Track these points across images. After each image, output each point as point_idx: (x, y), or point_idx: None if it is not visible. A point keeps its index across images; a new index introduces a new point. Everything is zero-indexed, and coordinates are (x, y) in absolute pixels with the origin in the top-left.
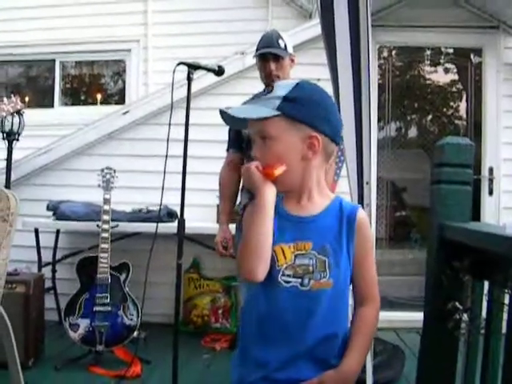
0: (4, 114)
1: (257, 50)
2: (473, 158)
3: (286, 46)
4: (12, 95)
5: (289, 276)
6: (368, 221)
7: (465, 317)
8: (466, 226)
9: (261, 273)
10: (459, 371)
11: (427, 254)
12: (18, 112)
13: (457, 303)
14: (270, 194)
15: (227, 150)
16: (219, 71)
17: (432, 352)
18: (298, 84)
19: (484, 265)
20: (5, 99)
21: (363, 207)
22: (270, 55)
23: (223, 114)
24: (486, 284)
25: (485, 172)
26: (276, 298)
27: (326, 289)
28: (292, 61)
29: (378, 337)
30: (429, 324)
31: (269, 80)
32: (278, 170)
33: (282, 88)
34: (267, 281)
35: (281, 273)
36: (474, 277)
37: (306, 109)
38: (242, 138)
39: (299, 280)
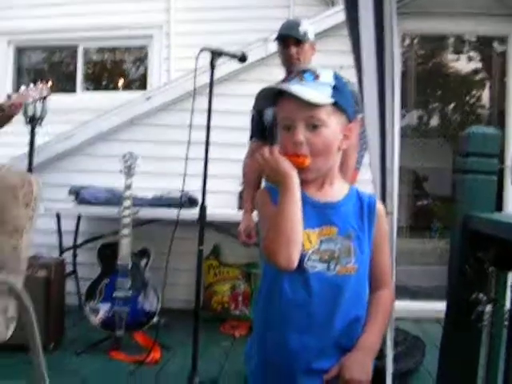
0: (31, 99)
1: (278, 35)
2: (498, 147)
3: (306, 32)
4: (39, 81)
5: (315, 261)
6: (384, 210)
7: (488, 308)
8: (490, 216)
9: (296, 259)
10: (481, 363)
11: (450, 244)
12: (44, 98)
13: (480, 294)
14: (297, 178)
15: (250, 138)
16: (242, 58)
17: (454, 343)
18: (335, 73)
19: (509, 256)
20: (31, 85)
21: (385, 196)
22: (290, 38)
23: (269, 89)
24: (511, 275)
25: (508, 161)
26: (302, 283)
27: (351, 274)
28: (313, 48)
29: (399, 327)
30: (451, 315)
31: (289, 64)
32: (309, 159)
33: (327, 76)
34: None
35: (307, 258)
36: (499, 268)
37: (346, 99)
38: (265, 127)
39: (325, 265)
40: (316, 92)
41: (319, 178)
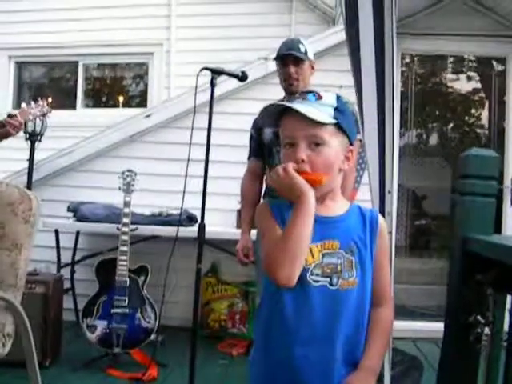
0: (31, 117)
1: (277, 53)
2: (497, 170)
3: (306, 51)
4: (39, 99)
5: (317, 275)
6: (386, 225)
7: (486, 330)
8: (489, 238)
9: (296, 278)
10: None
11: (449, 265)
12: (44, 115)
13: (479, 316)
14: (313, 198)
15: (248, 158)
16: (243, 77)
17: (452, 365)
18: (337, 96)
19: (507, 278)
20: (32, 103)
21: (384, 216)
22: (289, 57)
23: (274, 106)
24: (509, 298)
25: (507, 182)
26: (305, 297)
27: (353, 288)
28: (312, 67)
29: (396, 347)
30: (449, 336)
31: (288, 83)
32: (326, 177)
33: (329, 97)
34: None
35: (309, 272)
36: (497, 290)
37: (348, 121)
38: (263, 146)
39: (328, 279)
40: (318, 111)
41: (322, 195)
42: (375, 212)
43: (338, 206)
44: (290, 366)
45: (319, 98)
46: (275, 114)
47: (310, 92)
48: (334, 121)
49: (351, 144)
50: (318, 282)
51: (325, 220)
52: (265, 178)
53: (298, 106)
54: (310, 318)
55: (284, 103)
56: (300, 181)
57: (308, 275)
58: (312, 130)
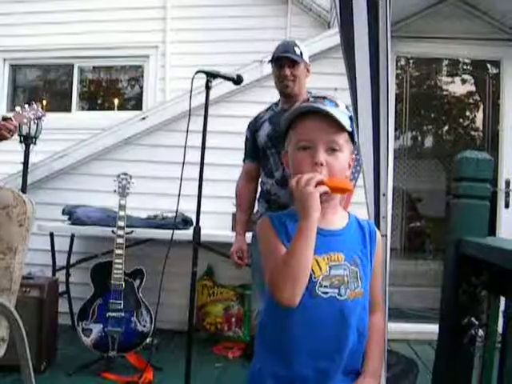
0: (25, 120)
1: (273, 56)
2: (491, 172)
3: (301, 53)
4: (33, 102)
5: (326, 287)
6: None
7: (480, 332)
8: (483, 241)
9: (299, 298)
10: None
11: (444, 268)
12: (39, 119)
13: (473, 318)
14: (316, 221)
15: (243, 160)
16: (238, 80)
17: (447, 367)
18: (346, 105)
19: (501, 280)
20: (26, 106)
21: (379, 219)
22: (285, 60)
23: (301, 107)
24: (503, 300)
25: (501, 184)
26: (314, 310)
27: (359, 298)
28: (307, 70)
29: (392, 349)
30: (444, 339)
31: (283, 85)
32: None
33: (342, 105)
34: (304, 292)
35: (318, 284)
36: (491, 292)
37: (354, 131)
38: (258, 148)
39: (336, 290)
40: (341, 118)
41: (324, 207)
42: (372, 224)
43: (338, 218)
44: (297, 376)
45: (336, 105)
46: (292, 116)
47: (325, 98)
48: (351, 129)
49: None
50: (327, 293)
51: (328, 233)
52: (260, 180)
53: (323, 108)
54: (320, 330)
55: (315, 105)
56: (313, 204)
57: (317, 287)
58: (332, 135)
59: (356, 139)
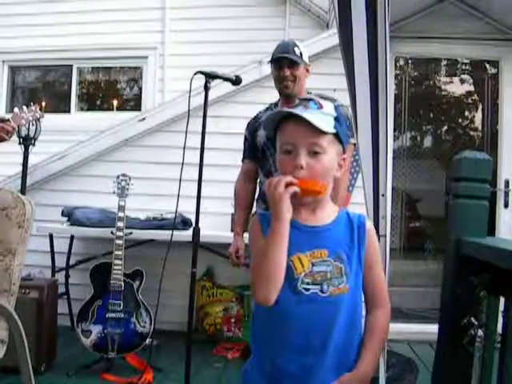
0: (24, 122)
1: (272, 56)
2: (490, 173)
3: (301, 53)
4: (32, 104)
5: (308, 284)
6: (374, 229)
7: (480, 332)
8: (482, 241)
9: (274, 298)
10: None
11: (443, 268)
12: (37, 120)
13: (472, 319)
14: (287, 225)
15: (242, 160)
16: (236, 81)
17: (447, 367)
18: (334, 106)
19: (501, 280)
20: (24, 108)
21: (378, 219)
22: (284, 60)
23: (280, 112)
24: (502, 300)
25: (501, 184)
26: (297, 305)
27: (344, 294)
28: (307, 70)
29: (392, 349)
30: (443, 339)
31: (283, 86)
32: (326, 187)
33: (329, 106)
34: (287, 290)
35: (300, 281)
36: (490, 293)
37: (344, 131)
38: (257, 148)
39: (318, 287)
40: (321, 120)
41: (311, 204)
42: (363, 217)
43: (326, 214)
44: (285, 373)
45: (320, 107)
46: (276, 121)
47: (310, 100)
48: (334, 130)
49: (344, 152)
50: (309, 290)
51: (313, 230)
52: (258, 180)
53: (304, 113)
54: (303, 326)
55: (290, 110)
56: (283, 206)
57: (299, 284)
58: (314, 138)
59: (345, 139)
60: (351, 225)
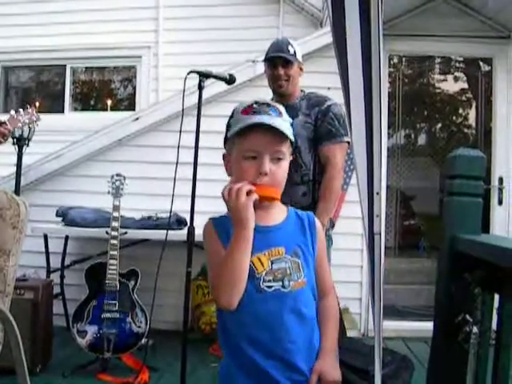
0: (20, 125)
1: (266, 55)
2: (484, 170)
3: (295, 52)
4: (28, 106)
5: (270, 281)
6: (320, 224)
7: (475, 329)
8: (477, 238)
9: (236, 302)
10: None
11: (438, 265)
12: (34, 123)
13: (467, 316)
14: (252, 232)
15: None
16: (230, 80)
17: (441, 364)
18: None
19: (495, 277)
20: (21, 111)
21: (373, 217)
22: (278, 59)
23: (248, 120)
24: (497, 297)
25: (494, 182)
26: (262, 303)
27: (303, 287)
28: (301, 69)
29: (387, 347)
30: (438, 336)
31: (276, 85)
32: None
33: (284, 112)
34: (250, 289)
35: (262, 280)
36: (485, 290)
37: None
38: None
39: (280, 283)
40: (287, 129)
41: (265, 206)
42: (311, 215)
43: (276, 213)
44: (257, 370)
45: (280, 113)
46: (242, 129)
47: (270, 106)
48: (292, 137)
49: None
50: (271, 287)
51: (267, 229)
52: None
53: (271, 121)
54: (270, 322)
55: (260, 121)
56: (247, 213)
57: (261, 283)
58: (277, 145)
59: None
60: (301, 222)
